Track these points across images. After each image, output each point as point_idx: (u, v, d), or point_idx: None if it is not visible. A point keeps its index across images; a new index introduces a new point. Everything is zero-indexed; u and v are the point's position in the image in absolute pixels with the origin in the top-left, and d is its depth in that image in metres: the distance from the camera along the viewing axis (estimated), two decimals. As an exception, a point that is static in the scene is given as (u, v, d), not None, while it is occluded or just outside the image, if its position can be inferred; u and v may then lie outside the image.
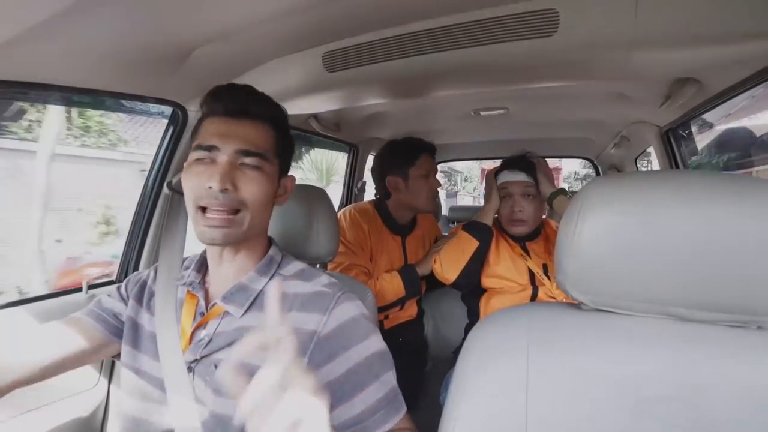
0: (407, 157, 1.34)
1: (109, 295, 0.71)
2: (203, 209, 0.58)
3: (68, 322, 0.66)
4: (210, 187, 0.56)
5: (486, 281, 1.22)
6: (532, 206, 1.19)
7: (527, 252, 1.22)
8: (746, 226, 0.42)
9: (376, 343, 0.61)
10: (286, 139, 0.67)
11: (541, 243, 1.24)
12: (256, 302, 0.62)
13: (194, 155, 0.60)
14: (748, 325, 0.47)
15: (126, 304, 0.69)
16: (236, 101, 0.61)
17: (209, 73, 0.93)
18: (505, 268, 1.20)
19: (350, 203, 1.99)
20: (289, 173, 0.71)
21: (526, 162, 1.23)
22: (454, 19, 0.81)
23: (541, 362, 0.48)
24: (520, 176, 1.20)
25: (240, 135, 0.59)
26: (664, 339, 0.47)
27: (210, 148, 0.59)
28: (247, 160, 0.59)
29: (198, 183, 0.57)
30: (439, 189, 1.50)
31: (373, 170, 1.47)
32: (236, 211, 0.58)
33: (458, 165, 12.63)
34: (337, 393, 0.56)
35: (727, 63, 0.82)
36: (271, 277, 0.64)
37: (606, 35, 0.76)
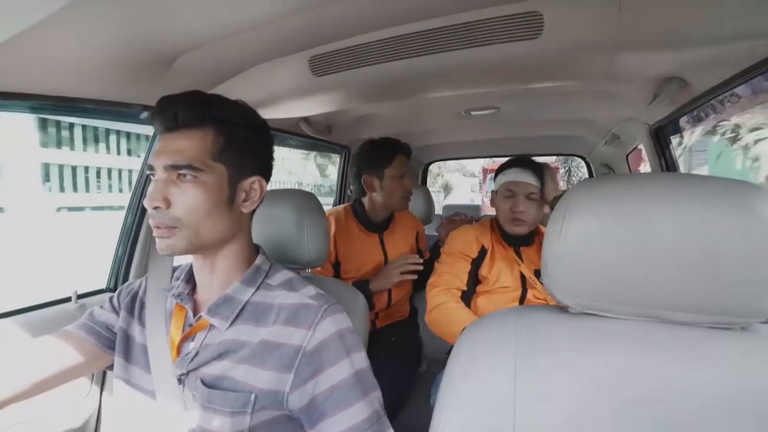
0: (384, 156, 1.35)
1: (101, 307, 0.70)
2: (155, 226, 0.58)
3: (61, 336, 0.65)
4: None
5: (479, 286, 1.23)
6: (533, 208, 1.19)
7: (520, 257, 1.23)
8: (729, 228, 0.43)
9: (361, 359, 0.60)
10: (237, 138, 0.61)
11: (534, 248, 1.24)
12: (242, 314, 0.61)
13: (147, 174, 0.61)
14: (732, 326, 0.48)
15: (118, 315, 0.69)
16: (167, 116, 0.59)
17: (195, 79, 0.93)
18: (499, 274, 1.21)
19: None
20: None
21: (536, 165, 1.21)
22: (440, 23, 0.81)
23: (529, 365, 0.48)
24: (529, 179, 1.19)
25: (170, 149, 0.57)
26: (649, 341, 0.48)
27: (151, 168, 0.59)
28: (181, 173, 0.57)
29: (146, 202, 0.58)
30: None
31: (350, 168, 1.47)
32: (174, 227, 0.57)
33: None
34: (321, 408, 0.56)
35: (711, 63, 0.82)
36: (258, 288, 0.63)
37: (590, 37, 0.76)
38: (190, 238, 0.58)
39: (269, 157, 0.68)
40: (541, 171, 1.21)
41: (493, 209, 1.31)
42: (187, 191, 0.57)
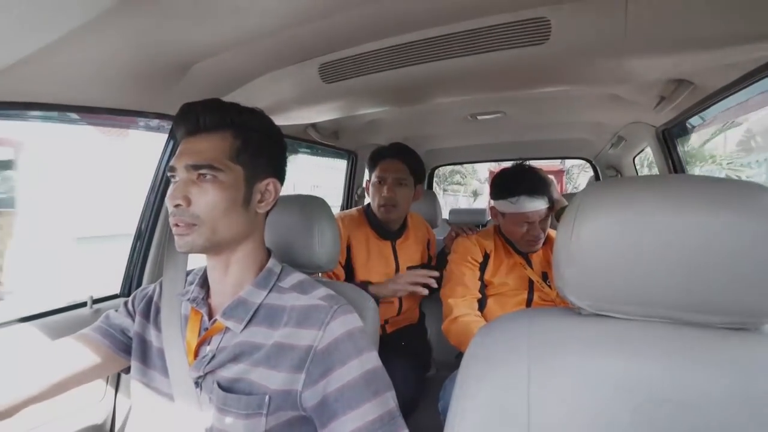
0: (372, 161, 1.35)
1: (116, 311, 0.72)
2: (174, 224, 0.61)
3: (77, 339, 0.67)
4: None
5: (485, 290, 1.23)
6: (547, 224, 1.19)
7: (528, 261, 1.23)
8: (742, 229, 0.43)
9: (372, 359, 0.61)
10: (254, 142, 0.64)
11: (540, 252, 1.25)
12: (255, 316, 0.62)
13: (168, 176, 0.64)
14: (747, 326, 0.48)
15: (133, 319, 0.70)
16: (190, 121, 0.63)
17: (208, 87, 0.95)
18: (505, 277, 1.21)
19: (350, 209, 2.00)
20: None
21: (544, 184, 1.15)
22: (448, 29, 0.82)
23: (542, 367, 0.48)
24: (540, 204, 1.13)
25: (191, 151, 0.61)
26: (663, 342, 0.48)
27: (172, 169, 0.62)
28: (200, 172, 0.60)
29: (167, 202, 0.61)
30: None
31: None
32: (193, 225, 0.59)
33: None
34: (332, 407, 0.56)
35: (719, 65, 0.83)
36: (270, 290, 0.65)
37: (597, 42, 0.77)
38: (208, 235, 0.60)
39: (283, 161, 0.70)
40: (548, 189, 1.15)
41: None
42: (206, 190, 0.60)
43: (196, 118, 0.62)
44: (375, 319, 0.89)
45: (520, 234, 1.17)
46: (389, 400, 0.59)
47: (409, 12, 0.78)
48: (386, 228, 1.37)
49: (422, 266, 1.41)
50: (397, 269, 1.37)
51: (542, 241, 1.20)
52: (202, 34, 0.74)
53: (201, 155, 0.60)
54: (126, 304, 0.72)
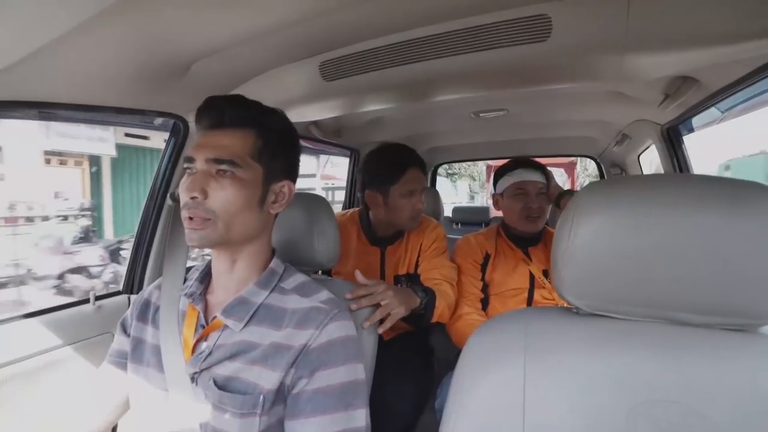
0: (389, 174, 1.19)
1: (119, 331, 0.73)
2: (188, 217, 0.60)
3: (107, 379, 0.71)
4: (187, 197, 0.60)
5: (487, 289, 1.24)
6: (545, 203, 1.24)
7: (529, 257, 1.24)
8: (740, 229, 0.43)
9: (357, 372, 0.61)
10: (274, 143, 0.65)
11: (541, 248, 1.26)
12: (255, 316, 0.63)
13: (184, 167, 0.64)
14: (745, 327, 0.47)
15: (129, 336, 0.71)
16: (214, 114, 0.63)
17: (209, 85, 0.95)
18: (506, 274, 1.22)
19: (352, 208, 1.99)
20: None
21: (539, 164, 1.29)
22: (449, 27, 0.82)
23: (538, 367, 0.48)
24: (537, 176, 1.24)
25: (213, 144, 0.61)
26: (661, 343, 0.48)
27: (190, 160, 0.61)
28: (221, 167, 0.60)
29: (182, 193, 0.61)
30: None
31: (357, 175, 1.38)
32: (207, 219, 0.59)
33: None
34: (301, 405, 0.57)
35: (723, 62, 0.81)
36: (272, 291, 0.65)
37: (599, 39, 0.76)
38: (222, 232, 0.60)
39: (297, 163, 0.71)
40: (544, 169, 1.26)
41: (497, 211, 1.32)
42: (225, 186, 0.60)
43: (220, 112, 0.62)
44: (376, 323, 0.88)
45: (518, 210, 1.22)
46: (359, 418, 0.59)
47: (409, 10, 0.78)
48: (378, 235, 1.28)
49: (408, 276, 1.26)
50: (383, 277, 1.28)
51: (541, 221, 1.23)
52: (203, 32, 0.74)
53: (223, 150, 0.60)
54: (123, 322, 0.73)
